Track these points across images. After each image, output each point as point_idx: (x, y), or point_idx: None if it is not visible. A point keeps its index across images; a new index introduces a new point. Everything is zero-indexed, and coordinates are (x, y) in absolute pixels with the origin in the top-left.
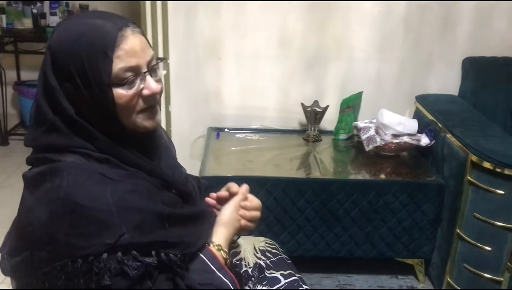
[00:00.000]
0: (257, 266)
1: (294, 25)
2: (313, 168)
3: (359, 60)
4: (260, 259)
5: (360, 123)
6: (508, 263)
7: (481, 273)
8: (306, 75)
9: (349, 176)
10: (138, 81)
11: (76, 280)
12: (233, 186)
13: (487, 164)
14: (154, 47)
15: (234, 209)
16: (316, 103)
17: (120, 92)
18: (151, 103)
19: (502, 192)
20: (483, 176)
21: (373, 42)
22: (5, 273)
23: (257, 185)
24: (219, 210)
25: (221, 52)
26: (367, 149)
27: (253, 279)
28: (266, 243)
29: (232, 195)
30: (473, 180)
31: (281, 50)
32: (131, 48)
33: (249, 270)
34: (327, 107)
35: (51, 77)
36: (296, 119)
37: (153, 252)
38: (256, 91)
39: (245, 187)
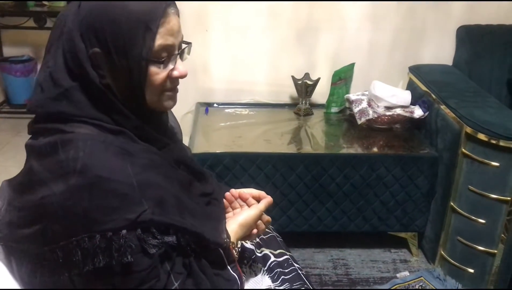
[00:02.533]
0: (246, 249)
1: None
2: (304, 142)
3: (350, 30)
4: (257, 239)
5: (352, 96)
6: (502, 235)
7: (475, 245)
8: (296, 47)
9: (341, 150)
10: (170, 62)
11: (93, 256)
12: (260, 192)
13: (482, 136)
14: None
15: (255, 217)
16: (307, 75)
17: (154, 70)
18: (176, 85)
19: (497, 164)
20: (478, 148)
21: (365, 11)
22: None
23: (247, 161)
24: (234, 208)
25: (209, 23)
26: (359, 122)
27: (245, 261)
28: None
29: (256, 199)
30: (467, 152)
31: (271, 21)
32: (172, 27)
33: (238, 249)
34: (318, 79)
35: (78, 40)
36: (287, 92)
37: (171, 231)
38: (245, 64)
39: (270, 199)
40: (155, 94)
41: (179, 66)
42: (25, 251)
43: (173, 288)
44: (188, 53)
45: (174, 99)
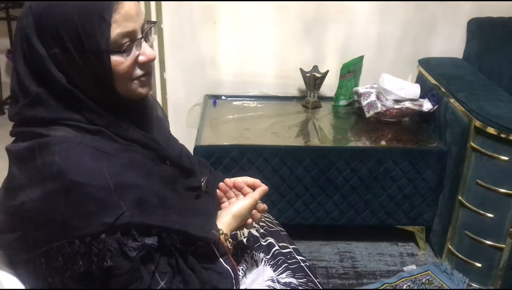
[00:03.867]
0: (251, 236)
1: None
2: (312, 135)
3: (359, 22)
4: (253, 227)
5: (361, 89)
6: (510, 230)
7: (483, 240)
8: (305, 39)
9: (348, 143)
10: (133, 48)
11: (74, 262)
12: (255, 180)
13: (491, 130)
14: (146, 11)
15: (250, 206)
16: (315, 68)
17: (117, 59)
18: (147, 70)
19: (506, 158)
20: (487, 142)
21: (374, 3)
22: None
23: (255, 153)
24: (228, 198)
25: (217, 15)
26: (367, 115)
27: (248, 250)
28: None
29: (251, 187)
30: (476, 146)
31: (279, 13)
32: (127, 12)
33: (244, 240)
34: (326, 72)
35: (36, 43)
36: (295, 85)
37: (153, 231)
38: (253, 57)
39: (265, 188)
40: (125, 83)
41: (145, 50)
42: (14, 257)
43: (159, 287)
44: (156, 33)
45: (148, 85)
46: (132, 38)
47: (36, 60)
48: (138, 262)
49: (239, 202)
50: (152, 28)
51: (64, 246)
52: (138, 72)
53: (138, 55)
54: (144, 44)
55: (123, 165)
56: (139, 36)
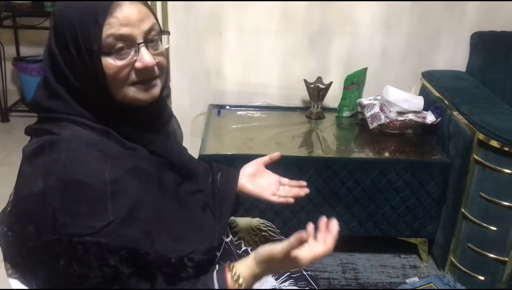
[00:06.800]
0: (256, 246)
1: None
2: (315, 146)
3: (364, 35)
4: (256, 235)
5: (365, 100)
6: None
7: (486, 253)
8: (309, 51)
9: (352, 154)
10: (132, 53)
11: (57, 259)
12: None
13: (494, 143)
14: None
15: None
16: (319, 79)
17: (108, 62)
18: (146, 77)
19: (510, 171)
20: (490, 155)
21: (378, 16)
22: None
23: None
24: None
25: (222, 26)
26: (371, 126)
27: None
28: (262, 223)
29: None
30: (479, 159)
31: (284, 24)
32: (124, 17)
33: (249, 249)
34: (330, 83)
35: (52, 43)
36: (299, 96)
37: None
38: (258, 67)
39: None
40: (119, 88)
41: (144, 57)
42: (8, 259)
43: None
44: (167, 43)
45: (148, 92)
46: (127, 43)
47: (52, 58)
48: (118, 267)
49: (300, 254)
50: (163, 36)
51: (51, 242)
52: (134, 77)
53: (135, 61)
54: (143, 50)
55: (126, 170)
56: (139, 41)
